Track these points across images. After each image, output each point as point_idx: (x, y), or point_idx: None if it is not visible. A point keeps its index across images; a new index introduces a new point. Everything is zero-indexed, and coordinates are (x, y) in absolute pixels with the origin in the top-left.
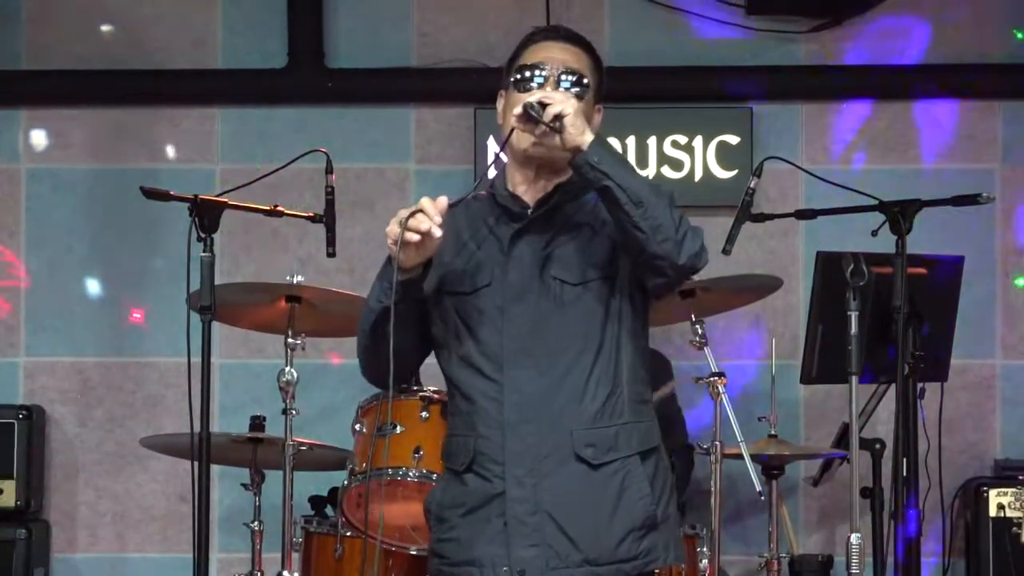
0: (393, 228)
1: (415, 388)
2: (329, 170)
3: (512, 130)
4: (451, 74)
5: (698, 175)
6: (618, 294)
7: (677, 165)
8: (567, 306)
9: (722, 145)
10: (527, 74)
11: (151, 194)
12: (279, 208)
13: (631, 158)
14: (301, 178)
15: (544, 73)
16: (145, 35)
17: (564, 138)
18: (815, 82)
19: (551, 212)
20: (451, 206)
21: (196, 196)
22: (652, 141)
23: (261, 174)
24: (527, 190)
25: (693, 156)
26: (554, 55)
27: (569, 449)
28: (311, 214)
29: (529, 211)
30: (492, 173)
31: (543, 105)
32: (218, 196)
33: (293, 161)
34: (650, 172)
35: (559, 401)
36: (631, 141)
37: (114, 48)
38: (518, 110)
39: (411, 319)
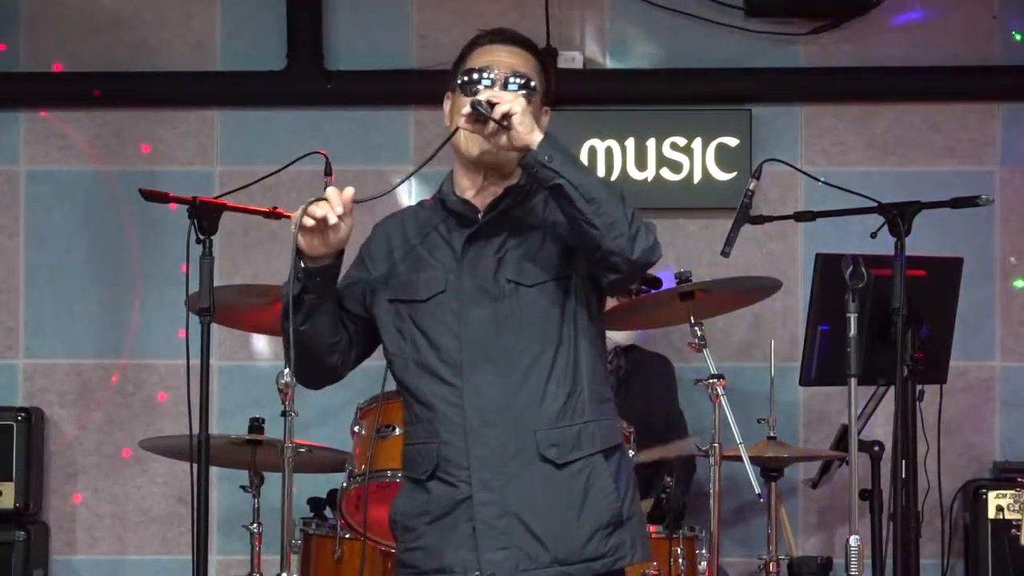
0: (296, 213)
1: None
2: (328, 172)
3: (456, 130)
4: (450, 75)
5: (697, 177)
6: (573, 294)
7: (676, 167)
8: (523, 308)
9: (721, 147)
10: (474, 76)
11: (150, 196)
12: (278, 210)
13: (630, 160)
14: (300, 180)
15: (491, 76)
16: (145, 37)
17: (513, 136)
18: (814, 84)
19: (502, 215)
20: (356, 201)
21: (195, 198)
22: (651, 143)
23: (260, 176)
24: (476, 195)
25: (692, 158)
26: (501, 58)
27: (533, 450)
28: None
29: (480, 215)
30: (435, 169)
31: (491, 104)
32: (217, 198)
33: (292, 163)
34: (649, 174)
35: (520, 403)
36: (630, 143)
37: (113, 50)
38: (466, 109)
39: (325, 311)
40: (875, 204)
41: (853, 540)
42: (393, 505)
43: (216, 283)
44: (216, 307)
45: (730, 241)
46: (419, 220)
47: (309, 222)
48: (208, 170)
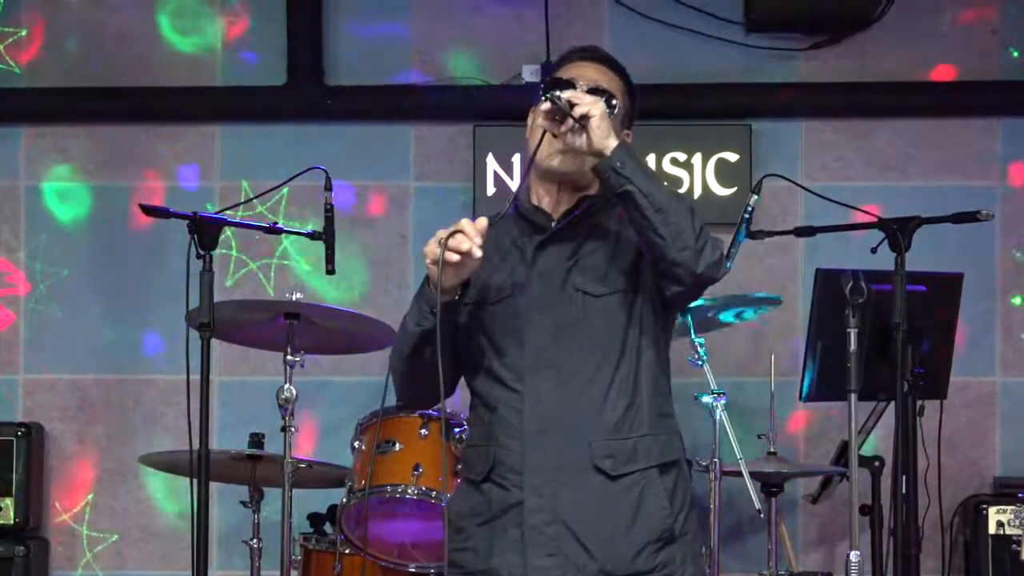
0: (432, 247)
1: None
2: (328, 187)
3: (542, 137)
4: (450, 91)
5: (697, 192)
6: (640, 306)
7: (676, 182)
8: (589, 317)
9: (721, 162)
10: (559, 87)
11: (151, 211)
12: (278, 225)
13: None
14: (300, 195)
15: (576, 87)
16: (145, 52)
17: (589, 139)
18: (814, 99)
19: (575, 224)
20: (491, 225)
21: (195, 213)
22: (651, 158)
23: (260, 192)
24: (550, 203)
25: (692, 173)
26: (587, 73)
27: (588, 460)
28: (311, 232)
29: (553, 223)
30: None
31: (571, 104)
32: (217, 213)
33: (292, 179)
34: None
35: (579, 411)
36: None
37: (114, 65)
38: (545, 105)
39: (449, 340)
40: (875, 219)
41: (853, 556)
42: (448, 503)
43: (216, 298)
44: (216, 322)
45: (730, 256)
46: (495, 225)
47: (454, 257)
48: (208, 185)
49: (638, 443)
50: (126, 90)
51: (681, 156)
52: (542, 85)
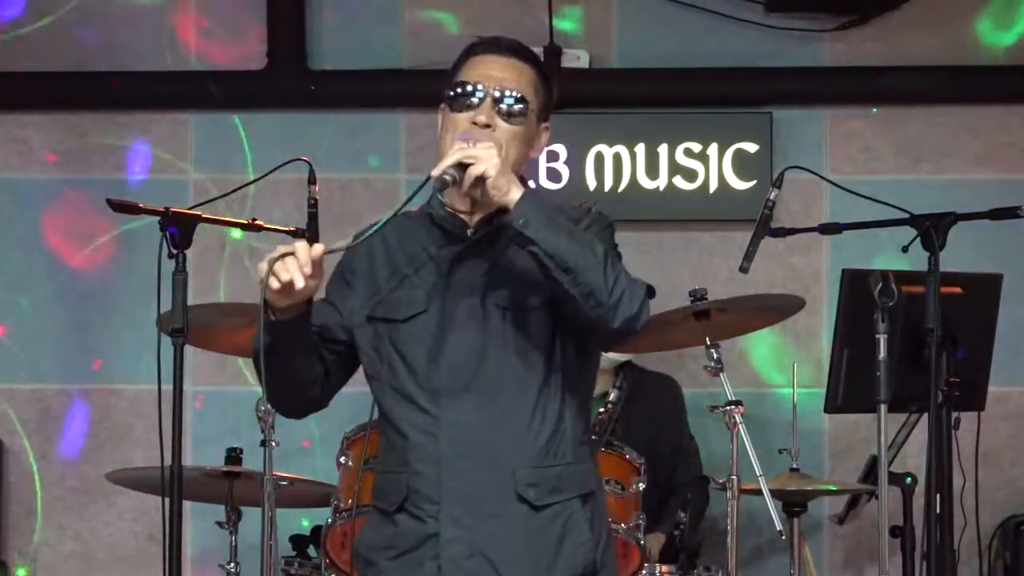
0: (262, 266)
1: None
2: (312, 180)
3: (428, 179)
4: (444, 76)
5: (713, 186)
6: (564, 324)
7: (690, 175)
8: (510, 336)
9: (739, 153)
10: (464, 91)
11: (119, 207)
12: (257, 222)
13: (640, 168)
14: (282, 189)
15: (480, 93)
16: (112, 34)
17: (488, 199)
18: (840, 85)
19: (494, 234)
20: (328, 252)
21: (167, 209)
22: (663, 149)
23: (238, 185)
24: (469, 211)
25: (708, 165)
26: (492, 72)
27: (511, 489)
28: (292, 228)
29: (469, 231)
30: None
31: (463, 166)
32: (191, 209)
33: (273, 171)
34: (661, 183)
35: (501, 437)
36: (640, 149)
37: (80, 48)
38: (435, 178)
39: (301, 350)
40: (907, 215)
41: None
42: (359, 536)
43: (190, 301)
44: (190, 328)
45: (749, 255)
46: (404, 232)
47: (275, 285)
48: (182, 178)
49: (563, 471)
50: (93, 74)
51: (696, 147)
52: (450, 90)
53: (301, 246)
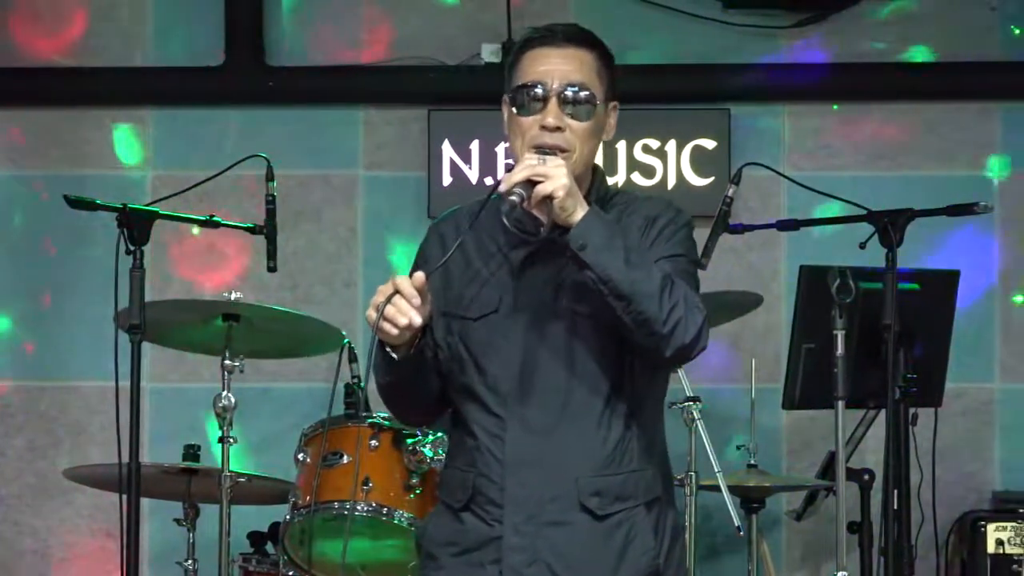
0: (370, 314)
1: (363, 414)
2: (270, 177)
3: (495, 188)
4: (404, 72)
5: (671, 182)
6: None
7: (648, 171)
8: (580, 339)
9: (697, 150)
10: (526, 92)
11: (76, 203)
12: (215, 218)
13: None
14: (239, 186)
15: (543, 94)
16: (68, 29)
17: (553, 217)
18: (798, 81)
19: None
20: (430, 275)
21: (125, 205)
22: (621, 145)
23: (196, 181)
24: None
25: (666, 162)
26: (553, 66)
27: (574, 497)
28: (250, 225)
29: (543, 231)
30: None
31: (532, 183)
32: (149, 205)
33: (231, 167)
34: (619, 179)
35: (566, 443)
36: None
37: (33, 43)
38: (505, 208)
39: (424, 374)
40: (865, 212)
41: None
42: (421, 526)
43: (147, 298)
44: (148, 324)
45: (707, 252)
46: (480, 227)
47: (393, 332)
48: (139, 175)
49: (627, 479)
50: (48, 70)
51: (654, 143)
52: (512, 92)
53: (402, 280)
